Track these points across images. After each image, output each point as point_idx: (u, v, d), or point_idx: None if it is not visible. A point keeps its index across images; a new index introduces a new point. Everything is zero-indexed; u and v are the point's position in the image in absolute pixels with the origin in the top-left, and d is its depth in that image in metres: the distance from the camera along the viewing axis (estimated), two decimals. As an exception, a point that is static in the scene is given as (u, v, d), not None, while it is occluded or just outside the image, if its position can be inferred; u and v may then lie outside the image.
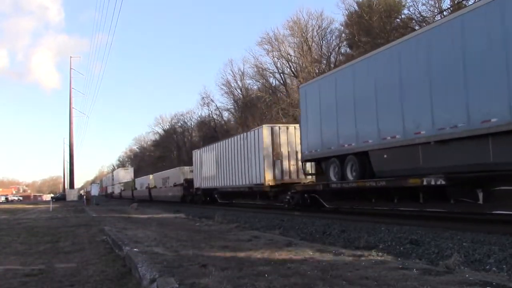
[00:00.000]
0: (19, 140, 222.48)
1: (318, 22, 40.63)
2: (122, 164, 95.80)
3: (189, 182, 31.00)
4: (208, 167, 26.34)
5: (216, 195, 26.86)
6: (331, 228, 10.53)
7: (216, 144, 25.58)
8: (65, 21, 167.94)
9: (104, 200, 57.54)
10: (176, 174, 35.77)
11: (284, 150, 18.84)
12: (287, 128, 19.36)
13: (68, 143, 54.08)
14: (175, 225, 12.02)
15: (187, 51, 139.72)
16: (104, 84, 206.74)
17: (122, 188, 61.50)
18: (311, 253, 5.79)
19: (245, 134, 21.28)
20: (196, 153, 30.00)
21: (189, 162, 46.55)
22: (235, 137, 22.47)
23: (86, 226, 13.06)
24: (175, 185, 34.80)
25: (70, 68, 53.42)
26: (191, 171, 31.78)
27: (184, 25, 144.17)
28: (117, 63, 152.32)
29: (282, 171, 18.75)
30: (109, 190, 75.61)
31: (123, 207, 28.05)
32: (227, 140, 23.89)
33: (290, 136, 18.97)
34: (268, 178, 18.47)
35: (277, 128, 19.24)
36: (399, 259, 5.87)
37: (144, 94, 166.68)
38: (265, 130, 18.83)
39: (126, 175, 67.51)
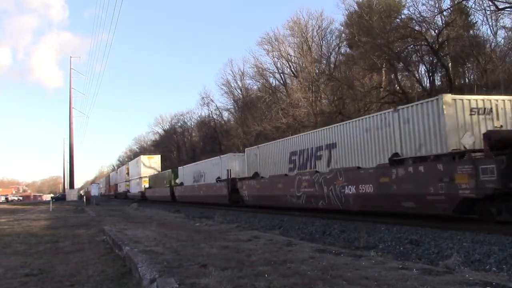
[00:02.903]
0: (19, 140, 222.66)
1: (318, 22, 40.67)
2: (122, 164, 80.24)
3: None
4: None
5: None
6: (331, 228, 10.53)
7: None
8: (69, 19, 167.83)
9: (106, 200, 55.10)
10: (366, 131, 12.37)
11: None
12: None
13: (68, 143, 53.98)
14: (175, 225, 12.00)
15: (187, 51, 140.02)
16: (104, 84, 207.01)
17: (146, 185, 43.02)
18: (311, 253, 5.78)
19: None
20: None
21: (189, 162, 41.94)
22: None
23: (86, 226, 13.06)
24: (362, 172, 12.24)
25: (70, 68, 53.34)
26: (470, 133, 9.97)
27: (184, 25, 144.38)
28: (117, 63, 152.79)
29: None
30: (122, 189, 55.60)
31: (122, 207, 28.01)
32: None
33: None
34: None
35: None
36: (399, 259, 5.88)
37: (144, 94, 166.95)
38: None
39: (150, 165, 46.73)
